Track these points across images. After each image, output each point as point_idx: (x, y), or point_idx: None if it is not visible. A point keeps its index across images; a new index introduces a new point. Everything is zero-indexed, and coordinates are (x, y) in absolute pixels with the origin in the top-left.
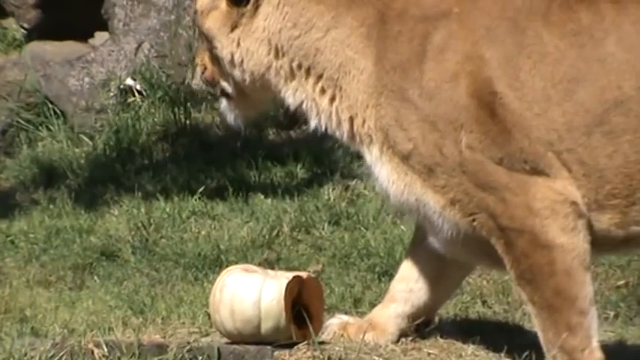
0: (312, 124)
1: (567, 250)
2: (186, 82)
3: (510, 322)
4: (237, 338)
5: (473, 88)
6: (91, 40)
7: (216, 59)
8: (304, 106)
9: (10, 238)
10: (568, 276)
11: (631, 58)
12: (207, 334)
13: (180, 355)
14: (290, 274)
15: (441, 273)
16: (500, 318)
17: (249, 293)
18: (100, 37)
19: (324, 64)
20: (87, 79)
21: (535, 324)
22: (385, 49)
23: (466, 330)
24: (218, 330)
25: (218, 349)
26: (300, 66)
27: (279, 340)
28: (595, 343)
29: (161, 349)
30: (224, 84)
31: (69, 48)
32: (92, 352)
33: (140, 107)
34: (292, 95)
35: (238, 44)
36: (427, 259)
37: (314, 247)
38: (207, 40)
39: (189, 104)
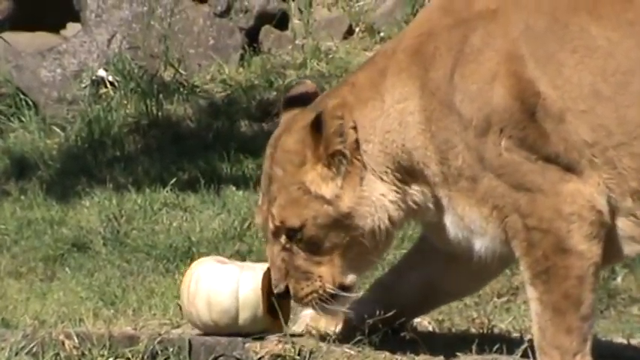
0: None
1: (586, 257)
2: (159, 73)
3: (482, 315)
4: (213, 330)
5: (517, 90)
6: (63, 31)
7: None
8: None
9: None
10: (580, 282)
11: None
12: (179, 326)
13: (151, 347)
14: (264, 265)
15: (427, 298)
16: (471, 311)
17: (227, 284)
18: (72, 28)
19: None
20: (59, 70)
21: (534, 321)
22: (426, 73)
23: (437, 323)
24: (192, 322)
25: (189, 340)
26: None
27: (256, 330)
28: (587, 348)
29: (132, 340)
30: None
31: (41, 39)
32: (63, 344)
33: (112, 99)
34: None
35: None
36: (416, 281)
37: None
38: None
39: (161, 96)
